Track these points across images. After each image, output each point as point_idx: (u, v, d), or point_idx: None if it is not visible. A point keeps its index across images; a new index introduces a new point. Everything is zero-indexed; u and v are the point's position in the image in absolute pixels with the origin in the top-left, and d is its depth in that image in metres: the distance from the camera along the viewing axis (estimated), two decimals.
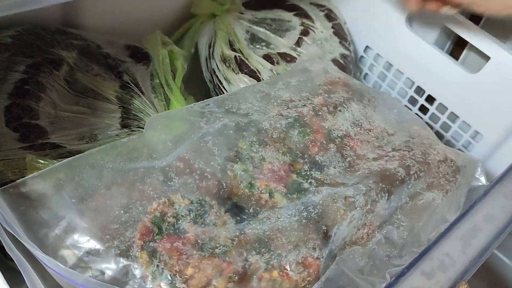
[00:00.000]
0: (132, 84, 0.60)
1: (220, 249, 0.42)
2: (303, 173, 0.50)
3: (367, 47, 0.79)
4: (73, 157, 0.45)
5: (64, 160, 0.45)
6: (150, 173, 0.46)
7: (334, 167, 0.52)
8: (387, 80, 0.79)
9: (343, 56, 0.72)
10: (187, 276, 0.40)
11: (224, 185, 0.47)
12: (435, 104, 0.74)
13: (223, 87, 0.67)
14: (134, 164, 0.46)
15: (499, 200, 0.42)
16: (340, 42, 0.74)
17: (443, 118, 0.73)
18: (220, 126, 0.51)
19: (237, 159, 0.49)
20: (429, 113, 0.75)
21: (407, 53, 0.74)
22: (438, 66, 0.71)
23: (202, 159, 0.47)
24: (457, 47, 0.76)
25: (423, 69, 0.73)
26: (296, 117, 0.54)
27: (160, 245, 0.41)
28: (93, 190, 0.44)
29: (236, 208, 0.46)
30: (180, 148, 0.48)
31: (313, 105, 0.56)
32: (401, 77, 0.76)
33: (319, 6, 0.77)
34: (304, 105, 0.56)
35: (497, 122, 0.67)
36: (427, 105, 0.75)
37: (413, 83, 0.75)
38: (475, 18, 0.70)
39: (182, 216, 0.44)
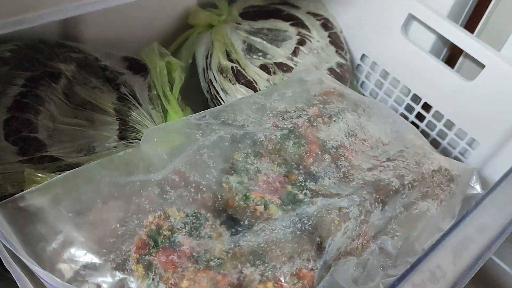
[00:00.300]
0: (130, 96, 0.61)
1: (215, 261, 0.43)
2: (298, 184, 0.50)
3: (363, 55, 0.80)
4: (70, 171, 0.46)
5: (61, 174, 0.46)
6: (146, 187, 0.46)
7: (329, 178, 0.52)
8: (384, 88, 0.79)
9: (339, 65, 0.73)
10: None
11: (219, 197, 0.47)
12: (432, 111, 0.74)
13: (220, 97, 0.68)
14: (130, 178, 0.46)
15: (491, 211, 0.43)
16: (336, 51, 0.74)
17: (440, 125, 0.74)
18: (216, 139, 0.51)
19: (233, 171, 0.49)
20: (425, 121, 0.76)
21: (403, 61, 0.74)
22: (434, 73, 0.71)
23: (197, 171, 0.48)
24: (453, 55, 0.76)
25: (419, 77, 0.73)
26: (291, 128, 0.54)
27: (155, 258, 0.42)
28: (90, 204, 0.44)
29: (231, 220, 0.47)
30: (175, 161, 0.48)
31: (308, 116, 0.56)
32: (397, 85, 0.77)
33: (315, 15, 0.77)
34: (299, 116, 0.56)
35: (493, 129, 0.67)
36: (423, 112, 0.75)
37: (410, 90, 0.75)
38: (470, 26, 0.71)
39: (178, 229, 0.44)
